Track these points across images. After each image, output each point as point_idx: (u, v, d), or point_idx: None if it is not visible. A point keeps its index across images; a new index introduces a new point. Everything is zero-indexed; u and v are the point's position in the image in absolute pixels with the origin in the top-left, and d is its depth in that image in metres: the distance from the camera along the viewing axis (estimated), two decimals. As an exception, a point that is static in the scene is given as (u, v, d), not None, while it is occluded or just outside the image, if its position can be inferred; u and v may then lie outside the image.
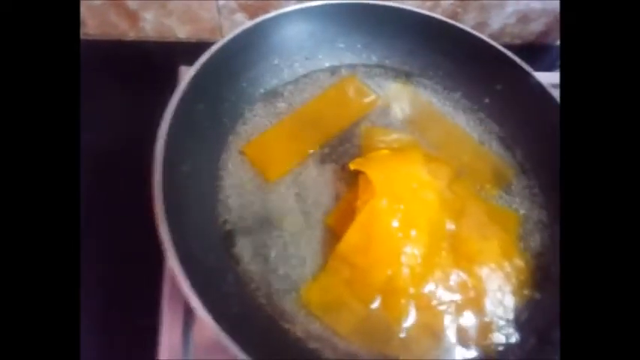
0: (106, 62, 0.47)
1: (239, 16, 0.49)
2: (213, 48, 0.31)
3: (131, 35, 0.49)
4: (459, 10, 0.54)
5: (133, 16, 0.47)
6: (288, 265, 0.29)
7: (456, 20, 0.56)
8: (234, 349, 0.21)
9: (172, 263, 0.22)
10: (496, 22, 0.55)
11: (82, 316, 0.31)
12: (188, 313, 0.28)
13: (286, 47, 0.36)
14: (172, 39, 0.50)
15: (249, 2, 0.48)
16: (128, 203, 0.37)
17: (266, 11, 0.51)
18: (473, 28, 0.53)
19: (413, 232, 0.27)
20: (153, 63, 0.48)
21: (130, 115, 0.43)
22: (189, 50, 0.49)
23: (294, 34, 0.36)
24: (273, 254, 0.29)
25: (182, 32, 0.50)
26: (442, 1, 0.53)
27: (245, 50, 0.33)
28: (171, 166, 0.26)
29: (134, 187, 0.38)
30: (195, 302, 0.22)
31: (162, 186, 0.25)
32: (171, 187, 0.25)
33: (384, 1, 0.38)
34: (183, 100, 0.28)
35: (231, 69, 0.33)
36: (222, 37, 0.50)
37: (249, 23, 0.33)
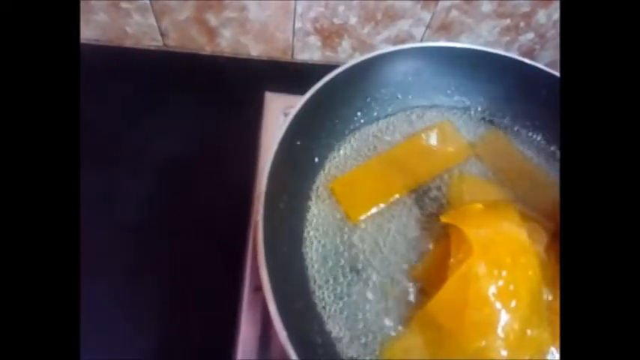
0: (181, 73, 0.50)
1: (312, 39, 0.50)
2: (316, 86, 0.31)
3: (207, 50, 0.51)
4: (537, 46, 0.53)
5: (212, 32, 0.49)
6: (369, 315, 0.28)
7: (532, 57, 0.54)
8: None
9: (272, 312, 0.22)
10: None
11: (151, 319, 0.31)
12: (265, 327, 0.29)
13: (381, 86, 0.36)
14: (244, 56, 0.52)
15: (325, 26, 0.48)
16: (197, 207, 0.39)
17: (339, 36, 0.52)
18: (547, 65, 0.52)
19: (513, 303, 0.26)
20: (225, 77, 0.50)
21: (202, 125, 0.45)
22: (261, 67, 0.51)
23: (390, 73, 0.36)
24: (354, 302, 0.29)
25: (255, 50, 0.52)
26: (520, 37, 0.51)
27: (344, 88, 0.33)
28: (271, 205, 0.26)
29: (203, 196, 0.39)
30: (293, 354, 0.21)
31: (264, 227, 0.24)
32: (269, 227, 0.25)
33: (468, 44, 0.37)
34: (285, 137, 0.28)
35: (329, 106, 0.33)
36: (293, 57, 0.52)
37: (351, 62, 0.32)
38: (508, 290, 0.26)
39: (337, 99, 0.33)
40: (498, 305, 0.26)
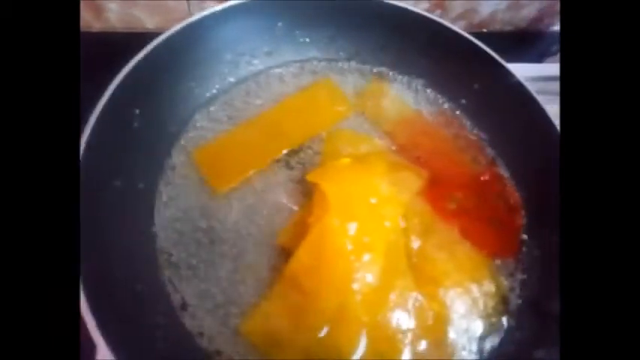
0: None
1: (210, 4, 0.46)
2: (150, 45, 0.28)
3: (96, 27, 0.46)
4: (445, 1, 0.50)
5: (96, 7, 0.44)
6: (231, 290, 0.26)
7: (444, 7, 0.52)
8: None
9: (82, 305, 0.19)
10: (486, 8, 0.51)
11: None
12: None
13: (241, 42, 0.33)
14: (140, 30, 0.47)
15: (220, -10, 0.44)
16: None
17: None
18: (461, 15, 0.48)
19: (367, 256, 0.25)
20: (119, 56, 0.45)
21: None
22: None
23: (250, 27, 0.33)
24: (215, 277, 0.27)
25: (150, 23, 0.47)
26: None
27: (190, 46, 0.30)
28: (98, 182, 0.23)
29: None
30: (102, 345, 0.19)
31: (87, 212, 0.22)
32: (96, 208, 0.23)
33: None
34: (113, 105, 0.25)
35: (174, 68, 0.29)
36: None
37: (192, 18, 0.29)
38: (362, 242, 0.25)
39: (185, 59, 0.30)
40: (352, 259, 0.25)
